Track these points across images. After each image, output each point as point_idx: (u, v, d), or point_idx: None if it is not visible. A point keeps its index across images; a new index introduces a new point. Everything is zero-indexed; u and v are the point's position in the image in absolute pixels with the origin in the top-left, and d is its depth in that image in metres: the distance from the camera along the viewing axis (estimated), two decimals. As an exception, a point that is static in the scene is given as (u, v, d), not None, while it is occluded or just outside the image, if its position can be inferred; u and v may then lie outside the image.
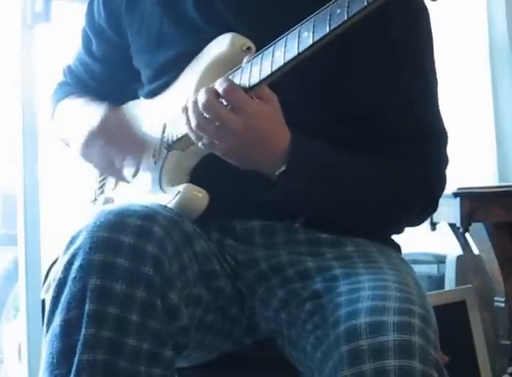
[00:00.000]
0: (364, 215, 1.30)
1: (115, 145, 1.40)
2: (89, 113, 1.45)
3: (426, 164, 1.31)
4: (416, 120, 1.32)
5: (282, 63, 1.14)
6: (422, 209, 1.34)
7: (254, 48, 1.25)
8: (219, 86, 1.17)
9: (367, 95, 1.31)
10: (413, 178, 1.30)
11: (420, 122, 1.32)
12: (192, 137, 1.22)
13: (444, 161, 1.34)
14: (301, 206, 1.29)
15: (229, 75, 1.21)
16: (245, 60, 1.20)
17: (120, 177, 1.44)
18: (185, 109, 1.21)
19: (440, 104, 1.35)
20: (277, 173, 1.21)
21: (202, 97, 1.18)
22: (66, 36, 2.60)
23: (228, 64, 1.24)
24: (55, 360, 1.05)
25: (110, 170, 1.44)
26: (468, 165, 3.08)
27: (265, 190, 1.22)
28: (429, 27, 1.35)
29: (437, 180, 1.34)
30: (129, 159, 1.40)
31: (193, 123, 1.20)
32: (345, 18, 1.05)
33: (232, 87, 1.17)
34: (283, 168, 1.20)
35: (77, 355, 1.04)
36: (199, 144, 1.21)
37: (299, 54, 1.12)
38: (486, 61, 3.35)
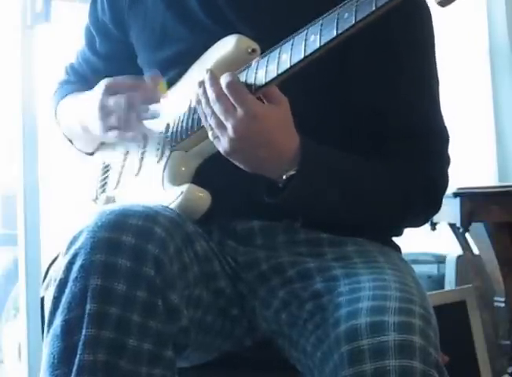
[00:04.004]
0: (370, 216, 1.30)
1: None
2: (91, 92, 1.45)
3: (428, 163, 1.31)
4: (417, 120, 1.32)
5: (288, 66, 1.14)
6: (424, 208, 1.34)
7: (259, 50, 1.24)
8: (223, 79, 1.17)
9: (369, 95, 1.31)
10: (415, 177, 1.30)
11: (421, 121, 1.32)
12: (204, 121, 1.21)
13: (445, 160, 1.34)
14: (308, 210, 1.28)
15: (240, 72, 1.21)
16: (253, 61, 1.20)
17: (140, 129, 1.39)
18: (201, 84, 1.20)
19: (441, 104, 1.36)
20: (284, 177, 1.21)
21: (211, 91, 1.18)
22: (66, 36, 2.60)
23: (233, 65, 1.24)
24: (56, 360, 1.05)
25: (127, 124, 1.38)
26: (468, 165, 3.09)
27: (270, 193, 1.22)
28: (431, 27, 1.35)
29: (439, 179, 1.34)
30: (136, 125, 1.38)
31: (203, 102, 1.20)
32: (353, 22, 1.06)
33: (234, 82, 1.16)
34: (292, 172, 1.20)
35: (78, 355, 1.04)
36: (209, 134, 1.21)
37: (305, 57, 1.12)
38: (486, 61, 3.35)
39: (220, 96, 1.17)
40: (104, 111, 1.39)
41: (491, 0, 3.36)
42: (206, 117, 1.20)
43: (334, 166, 1.25)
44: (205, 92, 1.19)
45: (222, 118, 1.17)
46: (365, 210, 1.29)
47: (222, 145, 1.19)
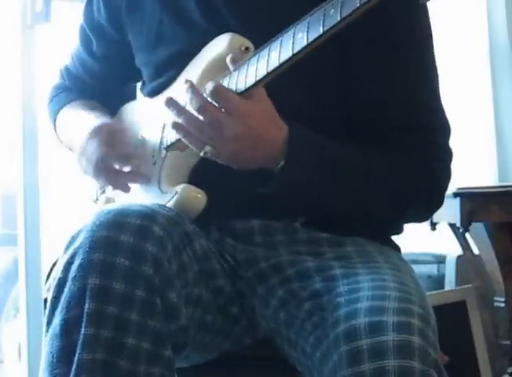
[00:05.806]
0: (367, 207, 1.29)
1: (107, 153, 1.38)
2: (83, 128, 1.45)
3: (429, 155, 1.30)
4: (418, 112, 1.31)
5: (277, 64, 1.14)
6: (426, 200, 1.32)
7: (252, 48, 1.25)
8: (206, 88, 1.18)
9: (369, 89, 1.30)
10: (416, 169, 1.29)
11: (422, 113, 1.31)
12: (191, 144, 1.22)
13: (446, 152, 1.33)
14: (301, 200, 1.27)
15: (225, 76, 1.21)
16: (241, 62, 1.20)
17: (119, 187, 1.41)
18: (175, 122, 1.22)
19: (441, 97, 1.35)
20: (278, 167, 1.20)
21: (194, 101, 1.18)
22: (66, 36, 2.60)
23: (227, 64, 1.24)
24: (55, 360, 1.05)
25: (108, 180, 1.41)
26: (468, 165, 3.09)
27: (263, 184, 1.22)
28: (429, 22, 1.34)
29: (441, 171, 1.32)
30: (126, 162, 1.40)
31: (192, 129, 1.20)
32: (339, 19, 1.06)
33: (218, 88, 1.17)
34: (283, 162, 1.20)
35: (77, 354, 1.04)
36: (201, 153, 1.21)
37: (294, 55, 1.12)
38: (486, 61, 3.35)
39: (206, 106, 1.17)
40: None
41: (491, 0, 3.36)
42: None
43: (324, 153, 1.24)
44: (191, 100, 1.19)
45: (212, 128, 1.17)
46: (362, 200, 1.28)
47: (218, 155, 1.19)
